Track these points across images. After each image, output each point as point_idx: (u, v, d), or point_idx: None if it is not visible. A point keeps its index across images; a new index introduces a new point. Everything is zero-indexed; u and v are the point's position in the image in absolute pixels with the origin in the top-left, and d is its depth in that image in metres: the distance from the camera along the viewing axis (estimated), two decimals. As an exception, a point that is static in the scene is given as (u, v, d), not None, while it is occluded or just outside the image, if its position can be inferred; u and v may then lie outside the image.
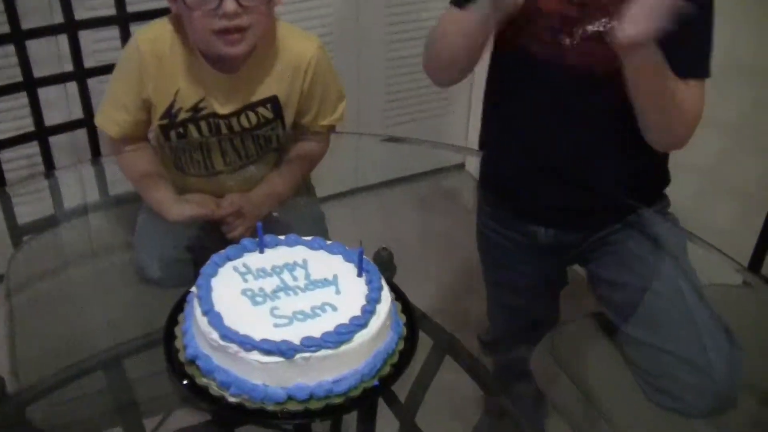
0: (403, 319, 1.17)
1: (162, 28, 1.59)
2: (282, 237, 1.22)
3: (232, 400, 1.04)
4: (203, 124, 1.63)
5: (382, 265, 1.22)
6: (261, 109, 1.63)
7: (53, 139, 1.92)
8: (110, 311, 1.61)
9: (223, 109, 1.61)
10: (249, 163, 1.71)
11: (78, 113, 1.92)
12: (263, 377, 1.03)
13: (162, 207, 1.62)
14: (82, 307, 1.63)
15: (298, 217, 1.77)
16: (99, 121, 1.68)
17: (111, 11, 1.87)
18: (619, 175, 1.48)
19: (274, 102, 1.64)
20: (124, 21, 1.87)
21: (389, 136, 2.63)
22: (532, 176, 1.52)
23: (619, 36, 1.21)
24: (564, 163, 1.46)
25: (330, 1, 2.59)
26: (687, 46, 1.30)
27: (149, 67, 1.57)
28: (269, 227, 1.23)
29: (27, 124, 1.89)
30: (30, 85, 1.83)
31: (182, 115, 1.62)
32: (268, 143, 1.70)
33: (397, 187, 2.95)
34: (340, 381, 1.04)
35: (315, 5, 2.56)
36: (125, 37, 1.88)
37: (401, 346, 1.13)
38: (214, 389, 1.06)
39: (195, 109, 1.61)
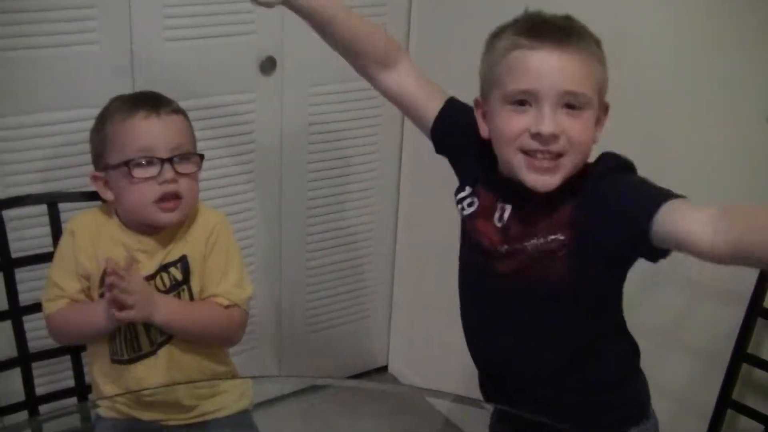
0: None
1: (92, 213, 1.78)
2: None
3: None
4: None
5: None
6: (173, 270, 1.72)
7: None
8: None
9: (144, 270, 1.69)
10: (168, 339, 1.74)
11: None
12: None
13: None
14: None
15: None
16: (48, 308, 1.74)
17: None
18: (580, 396, 1.53)
19: (183, 262, 1.72)
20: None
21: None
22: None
23: None
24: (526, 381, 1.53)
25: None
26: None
27: (82, 244, 1.71)
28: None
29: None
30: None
31: None
32: None
33: (321, 392, 2.91)
34: None
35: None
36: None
37: None
38: None
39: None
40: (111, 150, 1.68)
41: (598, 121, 1.43)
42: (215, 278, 1.74)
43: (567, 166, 1.38)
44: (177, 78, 2.29)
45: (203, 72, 2.37)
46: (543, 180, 1.39)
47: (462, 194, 1.57)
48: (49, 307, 1.72)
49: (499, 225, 1.48)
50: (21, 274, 1.88)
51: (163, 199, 1.66)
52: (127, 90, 1.96)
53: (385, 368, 3.14)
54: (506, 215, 1.48)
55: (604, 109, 1.45)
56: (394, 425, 2.40)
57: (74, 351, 1.89)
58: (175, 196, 1.67)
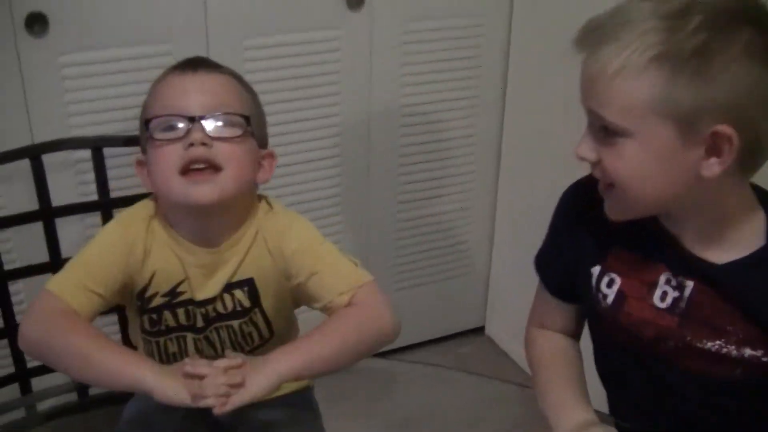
0: None
1: (143, 208, 1.45)
2: None
3: None
4: (180, 312, 1.44)
5: None
6: (238, 293, 1.44)
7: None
8: None
9: (200, 294, 1.43)
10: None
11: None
12: None
13: (143, 375, 1.25)
14: None
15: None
16: (57, 287, 1.37)
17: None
18: None
19: (251, 286, 1.44)
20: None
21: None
22: None
23: None
24: None
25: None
26: None
27: (129, 248, 1.40)
28: None
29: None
30: None
31: (157, 301, 1.44)
32: (248, 341, 1.49)
33: (406, 355, 2.73)
34: None
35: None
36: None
37: None
38: None
39: (171, 293, 1.43)
40: (142, 117, 1.42)
41: None
42: (317, 288, 1.40)
43: None
44: (253, 10, 2.09)
45: (282, 4, 2.15)
46: None
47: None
48: (60, 291, 1.35)
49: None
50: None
51: (190, 166, 1.33)
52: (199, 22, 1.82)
53: (481, 329, 2.93)
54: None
55: None
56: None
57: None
58: (208, 164, 1.33)
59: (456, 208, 2.69)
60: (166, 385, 1.24)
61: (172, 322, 1.44)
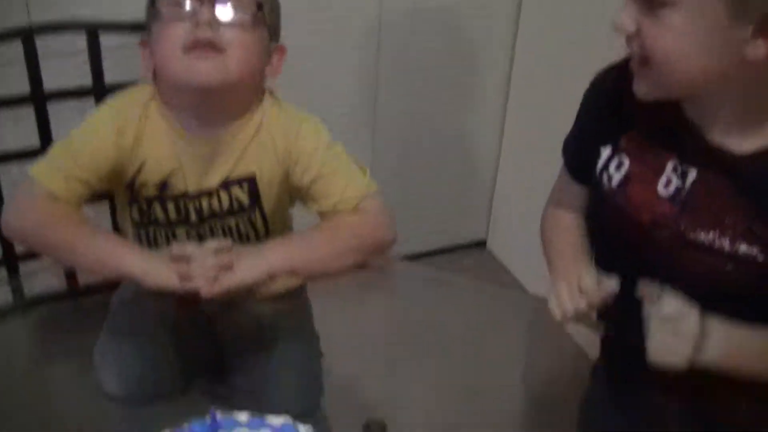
0: None
1: (139, 91, 1.39)
2: (243, 418, 0.97)
3: None
4: (170, 206, 1.39)
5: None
6: (236, 190, 1.38)
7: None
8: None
9: (193, 186, 1.37)
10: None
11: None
12: None
13: (129, 261, 1.24)
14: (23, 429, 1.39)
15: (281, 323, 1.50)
16: (41, 173, 1.32)
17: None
18: None
19: (251, 183, 1.38)
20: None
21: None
22: None
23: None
24: None
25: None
26: None
27: (119, 133, 1.34)
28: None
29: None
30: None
31: (147, 191, 1.38)
32: (243, 240, 1.43)
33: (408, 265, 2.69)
34: None
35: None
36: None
37: None
38: None
39: (163, 185, 1.37)
40: None
41: None
42: (322, 191, 1.37)
43: None
44: None
45: None
46: None
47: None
48: (44, 177, 1.31)
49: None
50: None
51: (195, 45, 1.26)
52: None
53: (483, 243, 2.89)
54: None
55: None
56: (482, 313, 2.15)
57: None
58: (213, 47, 1.27)
59: (463, 118, 2.62)
60: (152, 269, 1.21)
61: (161, 217, 1.39)
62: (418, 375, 1.86)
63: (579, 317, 1.17)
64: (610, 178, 1.25)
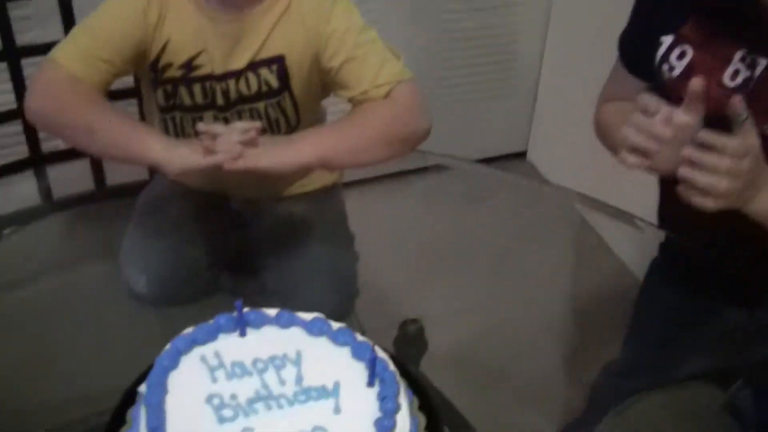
0: (425, 443, 0.86)
1: None
2: (271, 312, 0.91)
3: None
4: (196, 88, 1.31)
5: (409, 343, 0.91)
6: (264, 72, 1.30)
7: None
8: (85, 338, 1.34)
9: (219, 67, 1.29)
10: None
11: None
12: None
13: (150, 145, 1.17)
14: (51, 333, 1.36)
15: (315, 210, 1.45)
16: (63, 55, 1.24)
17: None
18: None
19: (280, 64, 1.30)
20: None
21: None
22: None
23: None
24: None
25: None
26: None
27: (142, 12, 1.25)
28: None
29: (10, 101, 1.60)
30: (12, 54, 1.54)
31: (172, 73, 1.30)
32: (273, 128, 1.36)
33: (443, 175, 2.61)
34: None
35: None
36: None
37: (418, 488, 0.82)
38: None
39: (188, 66, 1.29)
40: None
41: None
42: (353, 76, 1.27)
43: None
44: None
45: None
46: None
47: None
48: (64, 59, 1.23)
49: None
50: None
51: None
52: None
53: (523, 155, 2.81)
54: None
55: None
56: (523, 219, 2.08)
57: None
58: None
59: (506, 22, 2.51)
60: (174, 153, 1.15)
61: (187, 100, 1.32)
62: (454, 279, 1.81)
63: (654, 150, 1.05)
64: (671, 68, 1.17)
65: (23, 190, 1.66)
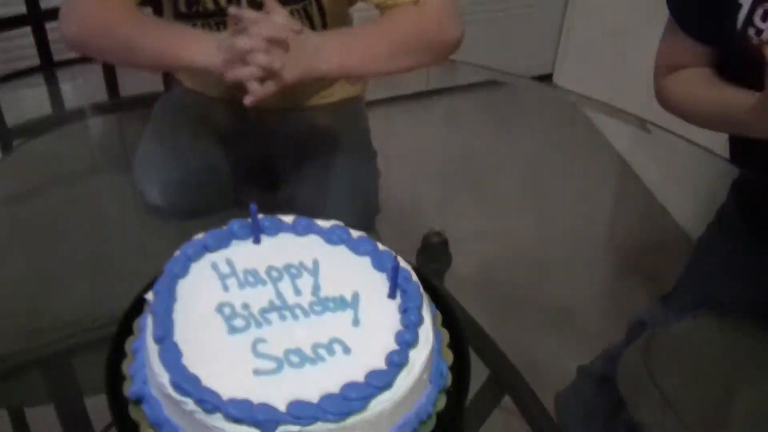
0: (449, 359, 0.81)
1: None
2: (288, 219, 0.86)
3: (185, 473, 0.71)
4: None
5: (432, 256, 0.86)
6: None
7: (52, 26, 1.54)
8: (98, 253, 1.30)
9: None
10: None
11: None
12: (230, 451, 0.69)
13: (179, 42, 1.11)
14: (63, 247, 1.32)
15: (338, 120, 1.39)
16: None
17: None
18: None
19: None
20: None
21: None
22: None
23: None
24: None
25: None
26: None
27: None
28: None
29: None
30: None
31: None
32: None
33: (469, 95, 2.53)
34: (344, 465, 0.70)
35: None
36: None
37: (441, 405, 0.77)
38: (163, 451, 0.72)
39: None
40: None
41: None
42: None
43: None
44: None
45: None
46: None
47: None
48: None
49: None
50: None
51: None
52: None
53: (549, 77, 2.73)
54: None
55: None
56: (553, 142, 2.02)
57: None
58: None
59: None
60: (198, 48, 1.08)
61: (211, 5, 1.25)
62: (479, 200, 1.76)
63: None
64: (759, 32, 1.07)
65: (34, 100, 1.61)
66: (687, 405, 1.08)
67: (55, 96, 1.61)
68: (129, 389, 0.75)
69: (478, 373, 0.93)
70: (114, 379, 0.78)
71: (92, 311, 1.20)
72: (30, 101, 1.61)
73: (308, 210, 1.20)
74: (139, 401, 0.75)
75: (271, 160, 1.36)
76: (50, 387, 1.12)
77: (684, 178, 1.94)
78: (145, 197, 1.33)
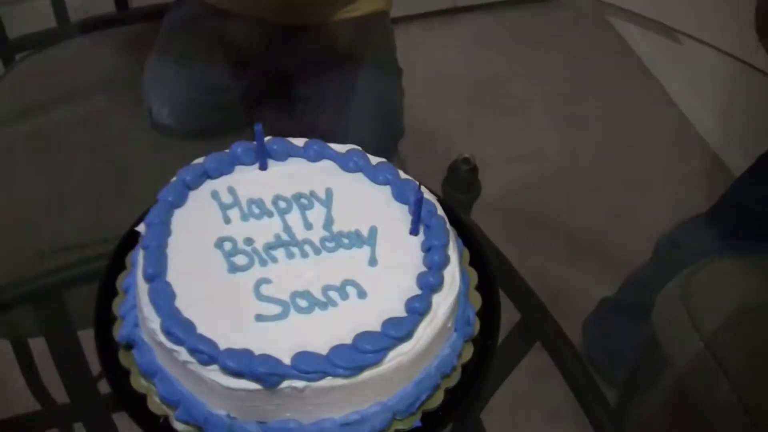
0: (476, 303, 0.72)
1: None
2: (298, 142, 0.76)
3: (178, 427, 0.63)
4: None
5: (461, 186, 0.77)
6: None
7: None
8: (104, 175, 1.23)
9: None
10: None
11: None
12: (228, 406, 0.61)
13: None
14: (67, 168, 1.24)
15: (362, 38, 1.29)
16: None
17: None
18: None
19: None
20: None
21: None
22: None
23: None
24: None
25: None
26: None
27: None
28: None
29: None
30: None
31: None
32: None
33: (497, 13, 2.40)
34: (357, 424, 0.62)
35: None
36: None
37: (467, 356, 0.69)
38: (154, 401, 0.65)
39: None
40: None
41: None
42: None
43: None
44: None
45: None
46: None
47: None
48: None
49: None
50: None
51: None
52: None
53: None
54: None
55: None
56: (584, 64, 1.92)
57: None
58: None
59: None
60: None
61: None
62: (508, 123, 1.67)
63: None
64: None
65: (37, 11, 1.52)
66: (733, 360, 0.99)
67: (60, 7, 1.51)
68: (118, 332, 0.67)
69: (507, 317, 0.84)
70: (105, 319, 0.70)
71: (98, 241, 1.13)
72: (33, 13, 1.52)
73: (328, 134, 1.12)
74: (129, 346, 0.67)
75: (290, 79, 1.27)
76: (42, 321, 1.04)
77: (716, 94, 1.86)
78: (154, 117, 1.26)
